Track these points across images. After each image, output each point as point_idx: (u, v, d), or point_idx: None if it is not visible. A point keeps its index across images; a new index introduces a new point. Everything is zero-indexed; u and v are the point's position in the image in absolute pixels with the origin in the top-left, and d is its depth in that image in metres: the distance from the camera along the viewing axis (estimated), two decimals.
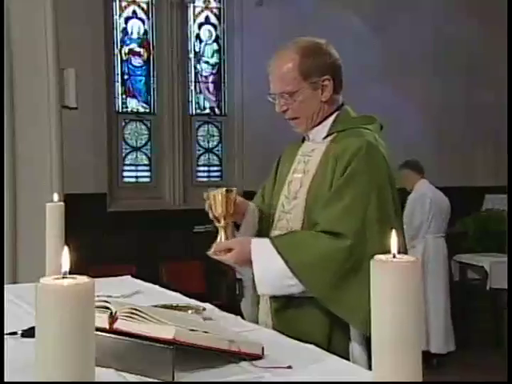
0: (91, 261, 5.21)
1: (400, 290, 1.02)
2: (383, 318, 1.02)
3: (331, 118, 2.18)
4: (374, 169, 2.05)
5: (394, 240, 1.07)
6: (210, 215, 2.17)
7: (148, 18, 7.59)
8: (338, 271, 1.95)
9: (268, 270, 2.02)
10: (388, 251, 1.05)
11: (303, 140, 2.29)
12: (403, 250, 1.93)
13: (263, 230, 2.28)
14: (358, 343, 2.00)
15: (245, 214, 2.26)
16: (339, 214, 1.99)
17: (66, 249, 0.95)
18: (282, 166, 2.34)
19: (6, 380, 1.43)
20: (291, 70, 2.11)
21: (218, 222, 2.17)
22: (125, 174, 7.54)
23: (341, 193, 2.02)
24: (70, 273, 0.96)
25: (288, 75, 2.11)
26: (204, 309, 2.16)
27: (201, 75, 7.86)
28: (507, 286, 5.73)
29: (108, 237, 6.35)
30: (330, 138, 2.16)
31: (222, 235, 2.18)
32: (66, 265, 0.94)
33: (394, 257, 1.04)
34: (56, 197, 2.35)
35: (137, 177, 7.63)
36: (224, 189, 2.18)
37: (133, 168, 7.59)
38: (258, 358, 1.62)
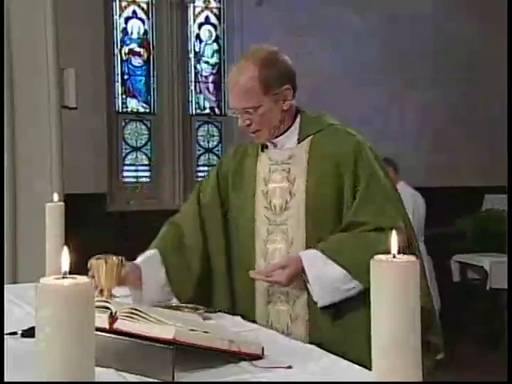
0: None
1: (400, 290, 1.02)
2: (383, 318, 1.02)
3: (296, 123, 2.18)
4: (375, 157, 2.13)
5: (394, 240, 1.07)
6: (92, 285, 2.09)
7: (148, 18, 7.59)
8: None
9: (326, 280, 1.99)
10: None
11: (262, 149, 2.23)
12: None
13: (207, 230, 2.25)
14: None
15: (142, 277, 2.17)
16: (380, 209, 2.03)
17: (65, 249, 0.95)
18: (232, 175, 2.27)
19: (5, 380, 1.43)
20: (252, 85, 2.07)
21: (101, 294, 2.05)
22: (125, 173, 7.54)
23: (370, 190, 2.05)
24: (70, 273, 0.96)
25: (250, 90, 2.07)
26: (204, 309, 2.16)
27: (201, 75, 7.86)
28: (507, 286, 5.73)
29: (108, 237, 6.34)
30: (307, 142, 2.14)
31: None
32: (65, 265, 0.94)
33: (394, 257, 1.04)
34: (56, 197, 2.35)
35: (137, 177, 7.63)
36: (111, 257, 2.10)
37: (133, 168, 7.59)
38: (258, 357, 1.62)
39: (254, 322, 2.12)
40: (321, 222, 2.08)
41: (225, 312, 2.18)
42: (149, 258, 2.26)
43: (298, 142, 2.16)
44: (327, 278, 1.99)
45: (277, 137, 2.17)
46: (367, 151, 2.10)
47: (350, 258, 1.97)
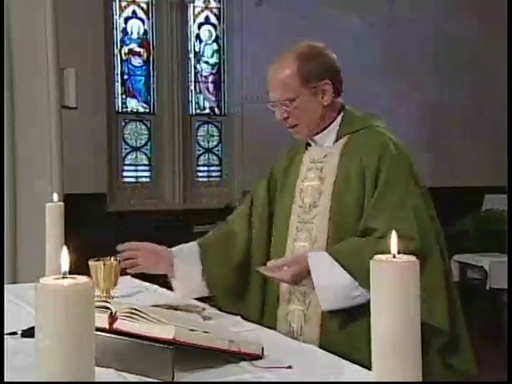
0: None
1: (400, 290, 1.02)
2: (383, 318, 1.02)
3: (337, 121, 2.15)
4: (405, 163, 2.05)
5: (394, 240, 1.07)
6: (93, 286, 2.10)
7: (148, 18, 7.59)
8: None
9: (331, 284, 1.95)
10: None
11: (306, 147, 2.24)
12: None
13: (259, 240, 2.25)
14: None
15: (173, 264, 2.21)
16: (396, 217, 1.93)
17: (65, 249, 0.95)
18: (281, 175, 2.28)
19: (5, 380, 1.43)
20: (290, 77, 2.08)
21: (101, 295, 2.08)
22: (125, 173, 7.54)
23: (387, 196, 1.99)
24: (70, 273, 0.96)
25: (287, 82, 2.08)
26: (204, 309, 2.16)
27: (201, 75, 7.86)
28: (507, 285, 5.73)
29: (107, 237, 6.33)
30: (342, 141, 2.12)
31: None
32: (65, 265, 0.94)
33: (394, 257, 1.04)
34: (56, 197, 2.35)
35: (137, 177, 7.63)
36: (110, 259, 2.12)
37: (133, 168, 7.59)
38: (258, 358, 1.62)
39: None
40: (343, 222, 2.05)
41: (225, 312, 2.18)
42: (187, 248, 2.30)
43: (335, 141, 2.14)
44: (331, 282, 1.95)
45: (317, 134, 2.15)
46: (393, 153, 2.03)
47: (356, 264, 1.91)
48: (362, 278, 1.89)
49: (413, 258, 1.03)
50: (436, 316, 1.91)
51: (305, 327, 2.10)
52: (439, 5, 8.04)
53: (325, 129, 2.15)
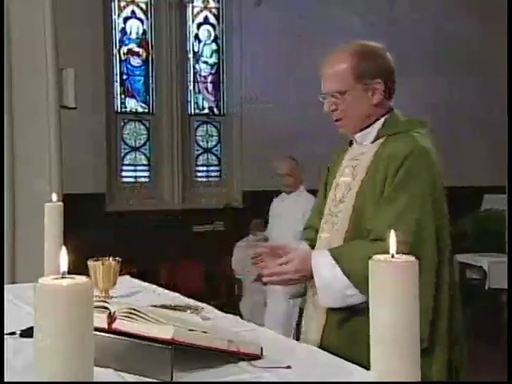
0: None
1: (398, 290, 1.02)
2: (382, 317, 1.02)
3: (380, 122, 2.17)
4: (425, 171, 2.05)
5: (392, 240, 1.07)
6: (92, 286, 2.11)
7: (147, 18, 7.59)
8: None
9: (330, 282, 1.99)
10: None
11: (350, 144, 2.29)
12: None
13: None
14: None
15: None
16: (393, 220, 1.94)
17: (64, 249, 0.95)
18: (330, 172, 2.35)
19: (5, 380, 1.43)
20: (344, 70, 2.11)
21: (99, 295, 2.08)
22: (124, 173, 7.54)
23: (393, 198, 2.01)
24: (69, 273, 0.95)
25: (340, 75, 2.11)
26: (203, 309, 2.16)
27: (199, 75, 7.87)
28: (507, 286, 5.73)
29: (107, 237, 6.34)
30: (379, 141, 2.15)
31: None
32: (64, 265, 0.94)
33: (393, 257, 1.05)
34: (55, 197, 2.35)
35: (136, 177, 7.63)
36: (109, 259, 2.12)
37: (132, 168, 7.59)
38: (257, 358, 1.62)
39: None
40: (362, 219, 2.08)
41: (224, 312, 2.18)
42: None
43: (373, 142, 2.16)
44: (331, 281, 1.99)
45: (359, 132, 2.18)
46: (417, 159, 2.04)
47: (353, 267, 1.94)
48: (356, 279, 1.93)
49: (412, 258, 1.03)
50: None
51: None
52: (439, 5, 8.05)
53: (368, 127, 2.17)
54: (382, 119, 2.16)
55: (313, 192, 5.23)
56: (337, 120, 2.18)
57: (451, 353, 2.04)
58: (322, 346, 1.90)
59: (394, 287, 1.02)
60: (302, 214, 5.09)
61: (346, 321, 2.05)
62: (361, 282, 1.90)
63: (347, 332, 2.03)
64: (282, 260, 2.06)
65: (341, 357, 1.62)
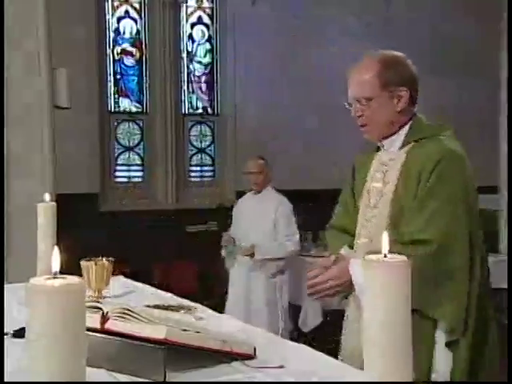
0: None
1: (391, 289, 1.02)
2: (376, 315, 1.03)
3: (406, 128, 2.22)
4: (457, 176, 2.10)
5: (385, 240, 1.07)
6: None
7: (140, 18, 7.58)
8: (425, 279, 1.97)
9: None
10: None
11: (377, 149, 2.33)
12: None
13: None
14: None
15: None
16: (423, 224, 2.04)
17: (56, 249, 0.95)
18: (357, 175, 2.39)
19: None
20: (371, 77, 2.17)
21: (92, 295, 2.08)
22: (117, 173, 7.53)
23: (425, 202, 2.06)
24: (62, 273, 0.95)
25: (367, 81, 2.17)
26: (196, 309, 2.15)
27: (193, 75, 7.86)
28: (507, 286, 5.74)
29: (100, 237, 6.32)
30: (407, 148, 2.20)
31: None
32: (56, 265, 0.94)
33: (385, 257, 1.05)
34: (48, 197, 2.34)
35: (129, 177, 7.62)
36: (102, 259, 2.13)
37: (125, 168, 7.58)
38: (250, 357, 1.62)
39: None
40: (398, 225, 2.13)
41: (218, 312, 2.18)
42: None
43: (401, 148, 2.21)
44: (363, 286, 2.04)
45: (386, 139, 2.23)
46: (449, 163, 2.09)
47: None
48: None
49: (404, 258, 1.04)
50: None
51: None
52: (436, 5, 8.06)
53: (393, 134, 2.23)
54: (408, 125, 2.22)
55: (285, 192, 5.22)
56: (362, 125, 2.24)
57: (473, 351, 2.07)
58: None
59: (386, 287, 1.02)
60: (274, 213, 5.08)
61: None
62: None
63: None
64: (322, 270, 2.14)
65: None
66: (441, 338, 2.06)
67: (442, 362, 2.05)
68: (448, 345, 2.05)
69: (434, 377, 2.06)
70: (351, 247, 2.33)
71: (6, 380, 1.42)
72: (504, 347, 2.24)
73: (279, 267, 5.26)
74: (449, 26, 8.04)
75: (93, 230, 6.47)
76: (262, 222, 5.07)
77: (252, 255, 4.99)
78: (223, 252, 5.23)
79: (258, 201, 5.18)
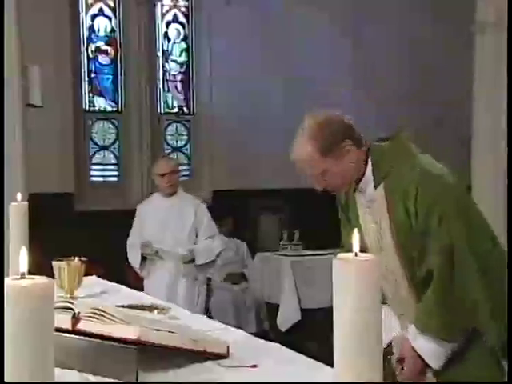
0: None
1: (362, 287, 1.03)
2: (345, 315, 1.03)
3: (369, 167, 2.20)
4: (442, 195, 2.10)
5: (355, 239, 1.08)
6: (57, 286, 2.11)
7: (115, 16, 7.53)
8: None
9: (431, 352, 2.12)
10: None
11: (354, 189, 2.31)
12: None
13: None
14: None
15: None
16: (428, 253, 2.09)
17: (24, 249, 0.94)
18: (346, 209, 2.37)
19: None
20: (311, 157, 2.14)
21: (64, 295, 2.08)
22: (92, 173, 7.47)
23: (423, 230, 2.09)
24: (32, 273, 0.94)
25: (309, 161, 2.15)
26: (170, 308, 2.15)
27: (169, 74, 7.82)
28: (507, 285, 5.80)
29: (74, 237, 6.27)
30: (382, 186, 2.18)
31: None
32: (23, 265, 0.92)
33: (356, 255, 1.06)
34: (19, 196, 2.32)
35: (104, 176, 7.56)
36: (74, 259, 2.13)
37: (100, 167, 7.52)
38: (223, 357, 1.62)
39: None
40: (412, 257, 2.15)
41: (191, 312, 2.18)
42: None
43: (375, 187, 2.20)
44: (428, 351, 2.12)
45: (358, 183, 2.23)
46: (427, 188, 2.09)
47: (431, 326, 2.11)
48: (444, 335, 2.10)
49: (373, 256, 1.05)
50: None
51: None
52: (405, 8, 8.11)
53: (362, 176, 2.21)
54: (369, 164, 2.20)
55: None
56: (333, 191, 2.26)
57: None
58: None
59: (357, 284, 1.03)
60: (193, 216, 4.75)
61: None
62: (443, 333, 2.08)
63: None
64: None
65: None
66: None
67: None
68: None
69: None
70: None
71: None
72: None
73: (214, 269, 5.06)
74: (417, 30, 8.09)
75: (67, 229, 6.41)
76: (180, 225, 4.71)
77: (192, 261, 4.67)
78: (135, 263, 4.77)
79: (173, 203, 4.75)
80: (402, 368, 2.16)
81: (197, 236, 4.75)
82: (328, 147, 2.13)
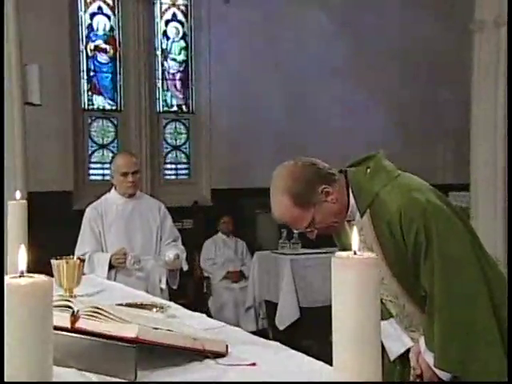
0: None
1: (360, 283, 1.03)
2: (344, 313, 1.03)
3: (352, 200, 2.17)
4: (425, 214, 2.06)
5: (355, 237, 1.08)
6: (56, 285, 2.10)
7: (114, 14, 7.52)
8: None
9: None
10: None
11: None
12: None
13: None
14: None
15: None
16: (431, 279, 2.06)
17: (23, 247, 0.94)
18: (338, 238, 2.35)
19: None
20: (292, 213, 2.12)
21: (63, 294, 2.07)
22: (91, 171, 7.46)
23: (421, 259, 2.06)
24: (31, 272, 0.94)
25: (293, 216, 2.13)
26: (169, 307, 2.15)
27: (168, 72, 7.82)
28: (507, 285, 5.80)
29: (73, 235, 6.26)
30: (367, 215, 2.16)
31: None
32: (22, 264, 0.92)
33: (355, 253, 1.06)
34: (18, 195, 2.32)
35: (103, 174, 7.56)
36: (73, 258, 2.13)
37: (99, 166, 7.51)
38: (222, 355, 1.62)
39: None
40: (413, 282, 2.13)
41: (190, 310, 2.18)
42: None
43: (361, 216, 2.18)
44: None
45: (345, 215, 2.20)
46: (410, 209, 2.06)
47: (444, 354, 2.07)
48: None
49: (373, 255, 1.05)
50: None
51: None
52: (407, 4, 8.11)
53: (348, 204, 2.18)
54: (351, 197, 2.18)
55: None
56: (328, 234, 2.25)
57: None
58: None
59: (356, 283, 1.03)
60: (158, 218, 4.32)
61: None
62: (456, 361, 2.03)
63: None
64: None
65: None
66: None
67: None
68: None
69: None
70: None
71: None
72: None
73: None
74: (418, 26, 8.09)
75: (66, 228, 6.39)
76: (147, 231, 4.25)
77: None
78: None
79: (136, 206, 4.27)
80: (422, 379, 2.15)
81: (161, 239, 4.30)
82: (306, 198, 2.10)
